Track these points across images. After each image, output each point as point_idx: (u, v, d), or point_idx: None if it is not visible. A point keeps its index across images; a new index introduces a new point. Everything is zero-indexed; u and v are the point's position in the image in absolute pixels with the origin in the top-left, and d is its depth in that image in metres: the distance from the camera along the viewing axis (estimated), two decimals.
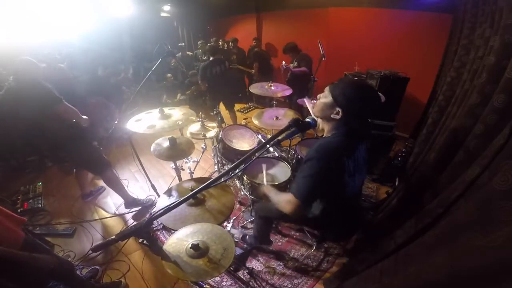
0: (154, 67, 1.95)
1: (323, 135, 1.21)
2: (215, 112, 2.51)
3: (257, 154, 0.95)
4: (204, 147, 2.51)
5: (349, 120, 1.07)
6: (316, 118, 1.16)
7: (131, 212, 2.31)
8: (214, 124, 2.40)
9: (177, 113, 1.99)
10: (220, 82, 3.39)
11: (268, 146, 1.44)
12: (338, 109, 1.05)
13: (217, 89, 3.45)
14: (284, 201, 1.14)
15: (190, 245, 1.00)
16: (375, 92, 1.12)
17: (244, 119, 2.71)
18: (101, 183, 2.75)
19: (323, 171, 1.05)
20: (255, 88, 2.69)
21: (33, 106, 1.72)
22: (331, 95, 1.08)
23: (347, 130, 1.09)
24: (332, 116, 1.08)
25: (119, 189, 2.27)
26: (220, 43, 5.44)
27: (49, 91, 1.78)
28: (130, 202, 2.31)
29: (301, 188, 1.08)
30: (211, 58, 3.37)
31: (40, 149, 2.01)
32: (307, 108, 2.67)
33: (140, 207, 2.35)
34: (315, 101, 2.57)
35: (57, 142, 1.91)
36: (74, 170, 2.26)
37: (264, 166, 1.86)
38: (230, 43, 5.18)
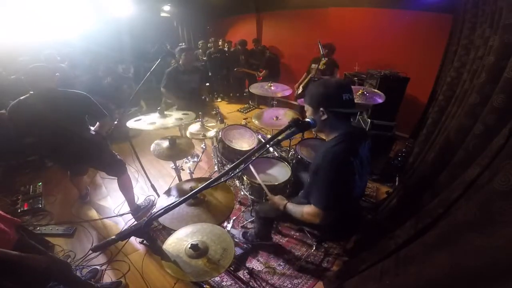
0: (153, 67, 1.95)
1: (317, 136, 1.24)
2: (215, 112, 2.51)
3: (257, 154, 0.95)
4: (204, 147, 2.51)
5: (334, 113, 1.12)
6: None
7: (131, 213, 2.31)
8: (214, 124, 2.40)
9: (177, 113, 1.99)
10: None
11: (268, 146, 1.44)
12: (320, 109, 1.13)
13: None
14: (307, 213, 1.19)
15: (189, 245, 1.00)
16: (338, 80, 1.20)
17: (244, 119, 2.71)
18: (99, 181, 2.76)
19: (335, 174, 1.08)
20: (255, 88, 2.69)
21: (74, 116, 1.77)
22: (307, 104, 1.18)
23: (343, 131, 1.14)
24: (322, 119, 1.14)
25: (129, 195, 2.24)
26: (220, 43, 5.44)
27: (96, 103, 1.87)
28: (134, 209, 2.30)
29: (319, 196, 1.14)
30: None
31: (64, 157, 1.97)
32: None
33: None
34: None
35: (88, 147, 1.90)
36: (69, 173, 2.25)
37: (252, 168, 1.68)
38: (238, 45, 5.15)
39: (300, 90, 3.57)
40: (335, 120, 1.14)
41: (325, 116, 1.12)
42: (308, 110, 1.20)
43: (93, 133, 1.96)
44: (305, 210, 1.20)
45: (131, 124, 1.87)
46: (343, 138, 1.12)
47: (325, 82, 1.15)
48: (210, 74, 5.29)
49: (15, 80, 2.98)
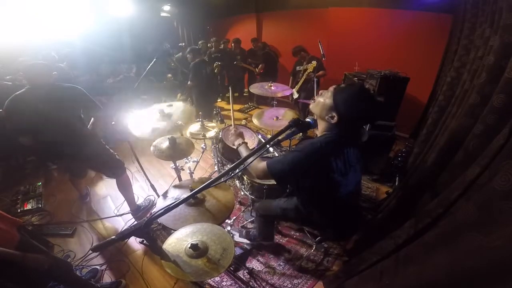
0: (149, 66, 1.95)
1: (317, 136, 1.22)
2: (215, 112, 2.51)
3: (257, 154, 0.95)
4: (204, 147, 2.51)
5: (342, 125, 1.08)
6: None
7: (131, 213, 2.31)
8: (214, 124, 2.40)
9: (176, 112, 1.99)
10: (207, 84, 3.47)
11: (268, 146, 1.44)
12: (334, 113, 1.05)
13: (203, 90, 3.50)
14: (256, 166, 1.17)
15: (189, 245, 1.00)
16: (377, 105, 1.14)
17: (244, 119, 2.71)
18: (99, 181, 2.76)
19: (302, 163, 1.07)
20: (255, 88, 2.68)
21: (70, 109, 1.76)
22: (332, 98, 1.07)
23: (338, 134, 1.10)
24: (326, 118, 1.09)
25: (129, 195, 2.23)
26: (222, 46, 5.41)
27: (90, 97, 1.85)
28: (135, 209, 2.29)
29: (276, 164, 1.12)
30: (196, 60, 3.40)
31: (62, 154, 1.95)
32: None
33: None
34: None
35: (86, 144, 1.88)
36: (68, 174, 2.24)
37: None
38: (232, 44, 5.15)
39: (296, 95, 3.57)
40: (335, 126, 1.10)
41: (331, 121, 1.07)
42: (329, 98, 1.08)
43: (90, 128, 1.94)
44: (258, 164, 1.17)
45: (130, 125, 1.86)
46: (332, 137, 1.09)
47: (370, 101, 1.09)
48: None
49: (12, 80, 2.96)
